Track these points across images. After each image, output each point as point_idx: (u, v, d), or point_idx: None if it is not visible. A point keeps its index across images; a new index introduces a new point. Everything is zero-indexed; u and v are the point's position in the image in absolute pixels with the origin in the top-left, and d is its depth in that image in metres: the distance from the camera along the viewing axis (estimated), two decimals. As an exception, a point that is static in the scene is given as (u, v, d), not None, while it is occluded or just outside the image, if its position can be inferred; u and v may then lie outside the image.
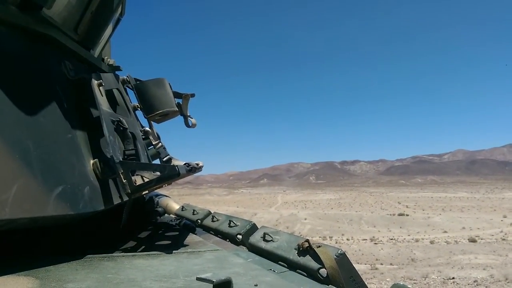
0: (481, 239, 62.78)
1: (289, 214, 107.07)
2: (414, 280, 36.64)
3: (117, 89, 2.14)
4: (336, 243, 62.69)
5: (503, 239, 61.64)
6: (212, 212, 2.53)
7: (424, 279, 37.33)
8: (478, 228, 74.50)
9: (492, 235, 66.94)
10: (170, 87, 2.35)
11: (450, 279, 37.44)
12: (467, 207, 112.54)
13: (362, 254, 52.55)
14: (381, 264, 46.48)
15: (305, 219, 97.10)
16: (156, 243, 1.97)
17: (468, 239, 62.42)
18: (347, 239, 68.26)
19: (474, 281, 36.07)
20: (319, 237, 69.81)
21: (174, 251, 1.63)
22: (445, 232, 73.17)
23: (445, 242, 62.50)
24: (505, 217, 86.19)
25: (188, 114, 2.44)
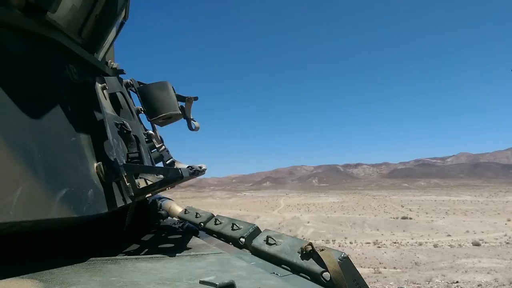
0: (485, 243, 62.56)
1: (292, 217, 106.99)
2: (417, 284, 36.43)
3: (121, 92, 2.15)
4: (339, 246, 62.65)
5: (507, 243, 61.39)
6: (215, 215, 2.51)
7: (427, 283, 37.11)
8: (482, 232, 74.25)
9: (496, 238, 66.69)
10: (173, 90, 2.35)
11: (454, 283, 37.23)
12: (470, 210, 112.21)
13: (365, 258, 52.42)
14: (385, 267, 46.34)
15: (308, 222, 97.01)
16: (159, 246, 1.95)
17: (472, 243, 62.31)
18: (350, 243, 68.17)
19: (478, 285, 35.84)
20: (322, 240, 69.73)
21: (177, 254, 1.62)
22: (449, 235, 72.95)
23: (449, 245, 62.36)
24: (509, 220, 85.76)
25: (191, 117, 2.44)
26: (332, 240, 70.27)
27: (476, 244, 61.28)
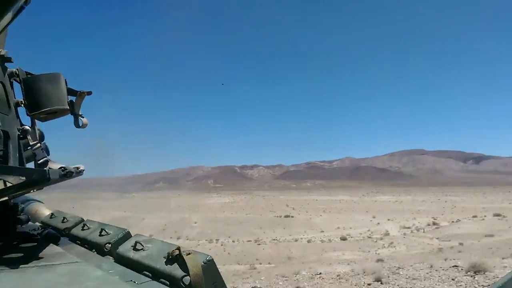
0: (351, 237, 69.56)
1: (180, 218, 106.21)
2: (286, 277, 38.78)
3: (1, 82, 1.95)
4: (222, 245, 64.97)
5: (369, 237, 69.12)
6: (85, 219, 2.34)
7: (295, 275, 39.79)
8: (351, 228, 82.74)
9: (361, 233, 74.68)
10: (66, 83, 2.19)
11: (317, 274, 40.63)
12: (344, 208, 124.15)
13: (244, 255, 54.39)
14: (260, 263, 48.16)
15: (195, 222, 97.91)
16: (3, 257, 1.67)
17: (340, 238, 68.76)
18: (233, 241, 70.12)
19: (337, 276, 39.73)
20: (206, 240, 71.34)
21: (21, 266, 1.44)
22: (322, 231, 79.76)
23: (321, 240, 67.94)
24: (374, 217, 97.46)
25: (80, 113, 2.35)
26: (216, 240, 71.33)
27: (343, 238, 67.30)
